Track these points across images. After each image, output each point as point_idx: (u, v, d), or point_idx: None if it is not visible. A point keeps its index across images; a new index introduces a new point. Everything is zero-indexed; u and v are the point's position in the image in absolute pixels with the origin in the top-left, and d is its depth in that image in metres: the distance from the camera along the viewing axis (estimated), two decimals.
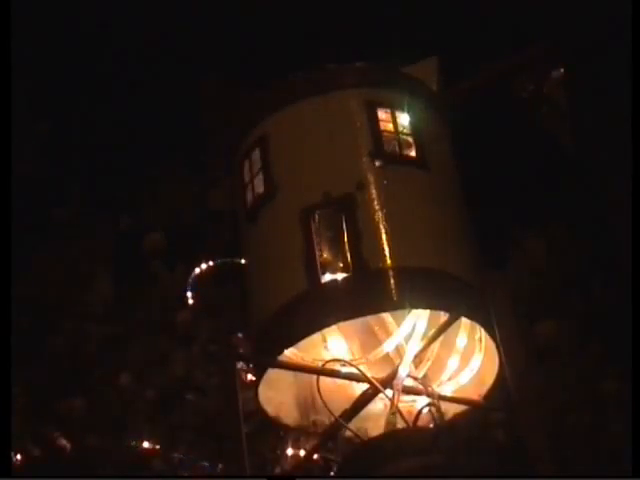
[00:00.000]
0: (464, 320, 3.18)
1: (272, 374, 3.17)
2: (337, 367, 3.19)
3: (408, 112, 3.28)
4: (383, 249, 3.01)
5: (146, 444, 6.11)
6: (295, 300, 3.02)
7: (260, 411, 3.22)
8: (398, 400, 3.13)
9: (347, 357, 3.22)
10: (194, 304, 6.40)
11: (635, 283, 3.33)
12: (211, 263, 6.45)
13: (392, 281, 2.98)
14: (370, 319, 3.24)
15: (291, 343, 3.09)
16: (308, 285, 3.01)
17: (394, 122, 3.25)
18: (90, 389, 6.21)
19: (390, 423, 3.09)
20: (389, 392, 3.14)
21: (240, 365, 3.23)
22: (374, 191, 3.09)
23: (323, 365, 3.18)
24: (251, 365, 3.25)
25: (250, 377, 3.22)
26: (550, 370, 6.26)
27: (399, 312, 3.17)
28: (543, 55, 3.80)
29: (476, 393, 3.26)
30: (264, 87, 3.61)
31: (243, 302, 3.32)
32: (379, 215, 3.06)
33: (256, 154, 3.30)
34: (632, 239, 3.36)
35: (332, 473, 3.12)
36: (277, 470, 5.70)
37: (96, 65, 6.80)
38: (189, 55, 6.64)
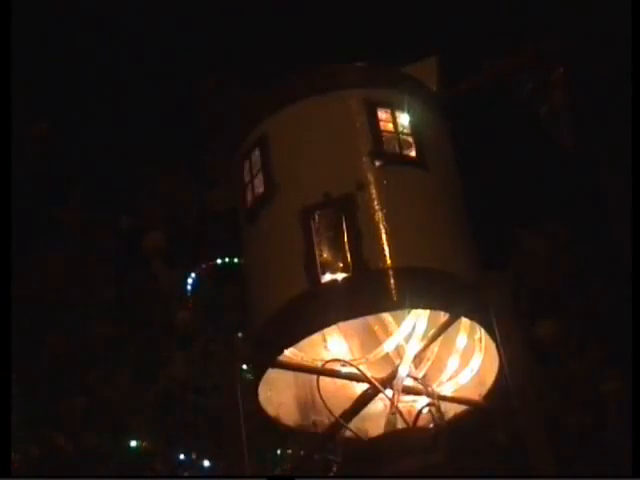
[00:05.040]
0: (464, 320, 3.18)
1: (272, 374, 3.17)
2: (337, 367, 3.19)
3: (408, 112, 3.27)
4: (383, 249, 3.01)
5: (146, 444, 6.11)
6: (295, 300, 3.02)
7: (260, 411, 3.22)
8: (398, 400, 3.13)
9: (347, 357, 3.22)
10: (194, 304, 6.41)
11: (635, 283, 3.33)
12: (211, 263, 6.46)
13: (392, 281, 2.98)
14: (370, 319, 3.24)
15: (291, 343, 3.09)
16: (308, 285, 3.01)
17: (394, 122, 3.24)
18: (90, 389, 6.21)
19: (390, 423, 3.09)
20: (389, 392, 3.14)
21: (240, 365, 3.22)
22: (374, 191, 3.09)
23: (323, 365, 3.18)
24: (251, 365, 3.25)
25: (250, 377, 3.22)
26: (550, 370, 6.27)
27: (399, 312, 3.16)
28: (543, 55, 3.80)
29: (476, 393, 3.26)
30: (264, 87, 3.61)
31: (243, 302, 3.32)
32: (379, 215, 3.06)
33: (256, 154, 3.30)
34: (632, 239, 3.36)
35: (332, 473, 3.11)
36: (277, 470, 5.70)
37: (96, 65, 6.81)
38: (189, 55, 6.64)
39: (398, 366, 3.18)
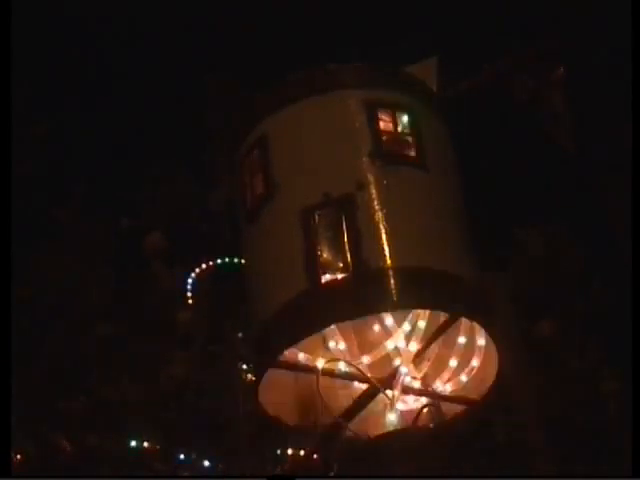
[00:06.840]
0: (464, 320, 3.18)
1: (272, 374, 3.17)
2: (337, 367, 3.19)
3: (408, 112, 3.28)
4: (383, 249, 3.02)
5: (146, 444, 6.11)
6: (295, 300, 3.02)
7: (260, 411, 3.22)
8: (398, 400, 3.13)
9: (347, 357, 3.22)
10: (194, 304, 6.40)
11: (635, 283, 3.33)
12: (211, 263, 6.45)
13: (392, 281, 2.98)
14: (370, 319, 3.24)
15: (291, 343, 3.09)
16: (308, 285, 3.02)
17: (394, 122, 3.25)
18: (90, 389, 6.21)
19: (390, 423, 3.10)
20: (389, 392, 3.14)
21: (240, 365, 3.23)
22: (374, 191, 3.10)
23: (323, 365, 3.18)
24: (251, 365, 3.25)
25: (250, 377, 3.22)
26: (550, 370, 6.27)
27: (399, 312, 3.17)
28: (543, 55, 3.81)
29: (476, 393, 3.27)
30: (264, 87, 3.61)
31: (243, 302, 3.32)
32: (379, 215, 3.06)
33: (256, 154, 3.31)
34: (632, 239, 3.36)
35: (332, 473, 3.11)
36: (277, 470, 5.69)
37: (96, 65, 6.81)
38: (190, 55, 6.64)
39: (398, 366, 3.18)
